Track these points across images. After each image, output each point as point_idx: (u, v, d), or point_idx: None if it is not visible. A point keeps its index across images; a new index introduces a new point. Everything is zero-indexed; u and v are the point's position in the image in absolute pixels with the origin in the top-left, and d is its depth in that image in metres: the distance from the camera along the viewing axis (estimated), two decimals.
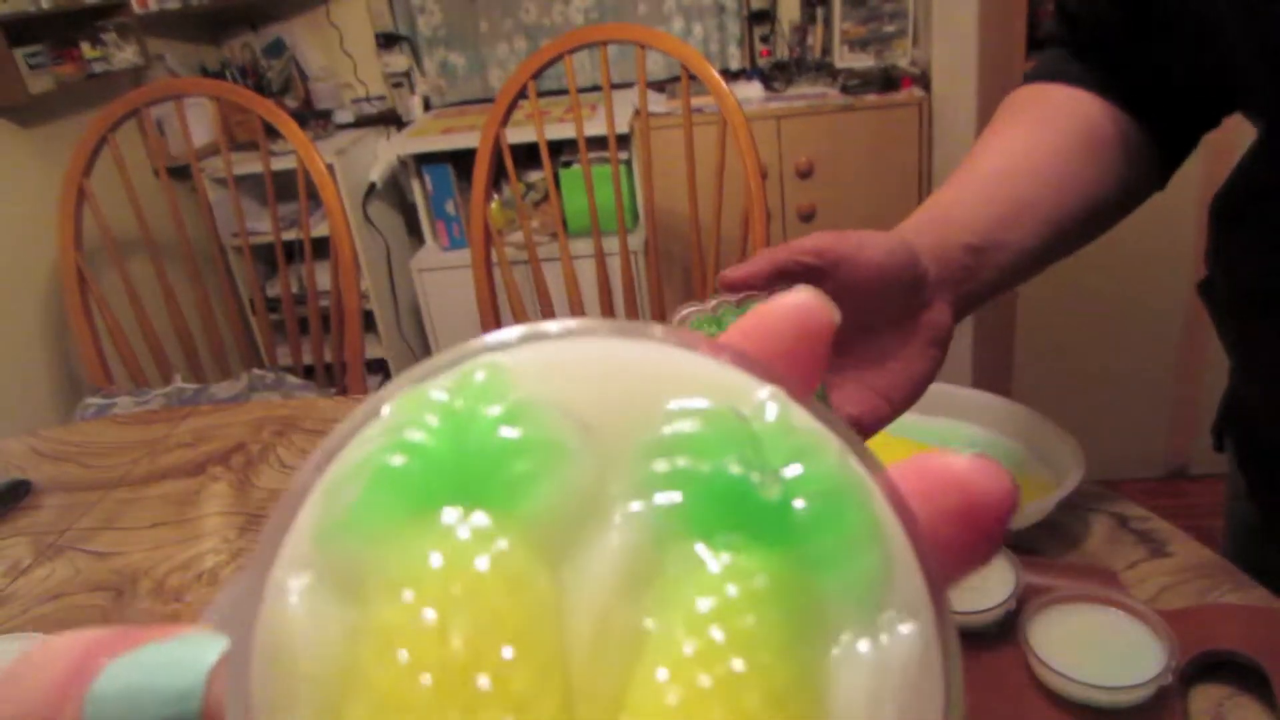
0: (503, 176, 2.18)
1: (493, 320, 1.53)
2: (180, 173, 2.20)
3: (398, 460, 0.15)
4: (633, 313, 1.58)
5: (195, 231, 1.73)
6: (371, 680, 0.13)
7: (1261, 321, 0.56)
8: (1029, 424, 0.72)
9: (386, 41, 2.59)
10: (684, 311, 0.42)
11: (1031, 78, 0.63)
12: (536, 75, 1.47)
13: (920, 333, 0.49)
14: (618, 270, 1.60)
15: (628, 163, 2.25)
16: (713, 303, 0.43)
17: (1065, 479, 0.65)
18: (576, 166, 2.13)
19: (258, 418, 1.05)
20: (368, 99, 2.64)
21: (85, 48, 2.04)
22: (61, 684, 0.16)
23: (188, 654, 0.17)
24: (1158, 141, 0.59)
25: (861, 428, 0.47)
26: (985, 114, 2.16)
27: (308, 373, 1.69)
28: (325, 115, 2.55)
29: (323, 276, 2.31)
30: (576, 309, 1.57)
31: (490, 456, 0.15)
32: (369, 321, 2.47)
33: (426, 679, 0.13)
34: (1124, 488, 2.25)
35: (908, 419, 0.76)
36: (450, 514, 0.14)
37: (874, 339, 0.49)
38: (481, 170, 1.49)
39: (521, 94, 1.47)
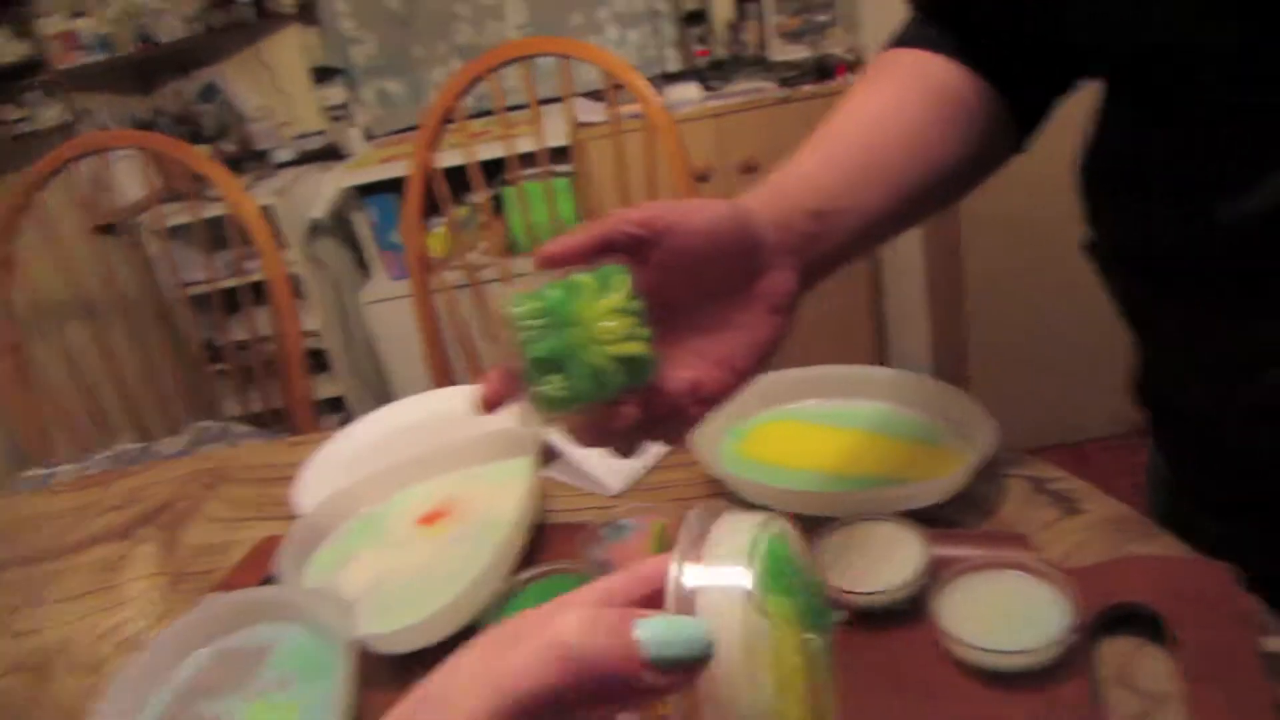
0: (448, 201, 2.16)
1: (435, 349, 1.51)
2: (116, 228, 2.16)
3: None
4: None
5: (134, 287, 1.70)
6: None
7: (1140, 280, 0.55)
8: (944, 398, 0.71)
9: (321, 75, 2.56)
10: (510, 295, 0.41)
11: (890, 44, 0.62)
12: (461, 96, 1.45)
13: (760, 299, 0.48)
14: None
15: (571, 175, 2.23)
16: (538, 280, 0.42)
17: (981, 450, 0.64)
18: (526, 182, 2.11)
19: (187, 472, 1.01)
20: (306, 135, 2.61)
21: (9, 109, 2.00)
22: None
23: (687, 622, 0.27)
24: (1012, 105, 0.58)
25: (701, 394, 0.46)
26: None
27: (258, 420, 1.66)
28: (264, 155, 2.52)
29: (267, 322, 2.29)
30: None
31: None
32: (322, 360, 2.43)
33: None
34: (1089, 448, 2.25)
35: (825, 404, 0.75)
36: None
37: (711, 306, 0.48)
38: (413, 199, 1.47)
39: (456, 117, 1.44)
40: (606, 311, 0.41)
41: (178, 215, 2.24)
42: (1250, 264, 0.45)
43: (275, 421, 1.65)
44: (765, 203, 0.49)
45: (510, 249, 2.27)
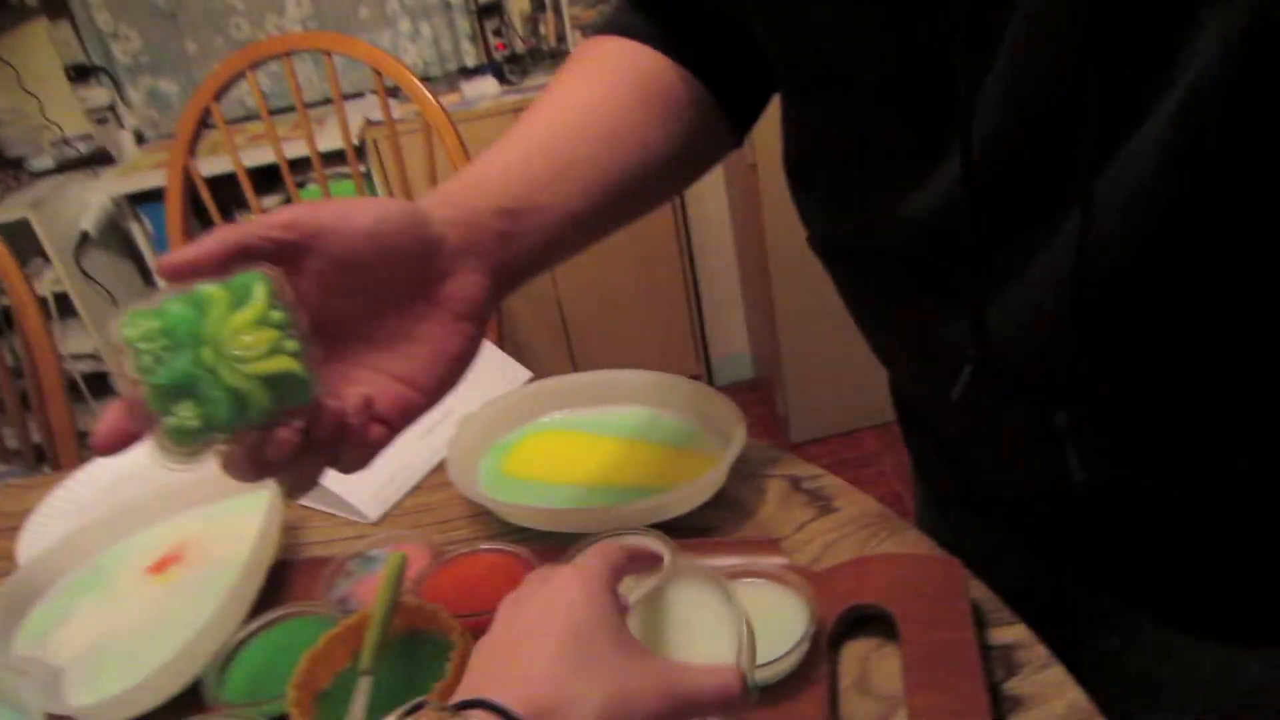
0: (235, 205, 2.03)
1: None
2: None
3: None
4: None
5: None
6: None
7: (838, 269, 0.56)
8: (697, 397, 0.71)
9: (79, 74, 2.34)
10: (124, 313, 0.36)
11: (596, 30, 0.59)
12: (219, 96, 1.35)
13: (443, 307, 0.43)
14: None
15: (362, 176, 2.14)
16: (158, 296, 0.37)
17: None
18: (313, 185, 2.00)
19: None
20: (68, 140, 2.39)
21: None
22: None
23: None
24: (720, 100, 0.57)
25: (378, 413, 0.41)
26: None
27: (18, 459, 1.49)
28: (17, 164, 2.28)
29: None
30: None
31: None
32: (101, 385, 2.24)
33: None
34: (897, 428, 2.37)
35: (582, 412, 0.74)
36: None
37: (387, 318, 0.43)
38: (174, 208, 1.36)
39: (252, 117, 1.34)
40: (243, 325, 0.36)
41: None
42: (929, 262, 0.46)
43: (31, 458, 1.50)
44: (450, 200, 0.45)
45: None
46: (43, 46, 2.31)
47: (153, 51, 2.37)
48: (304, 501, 0.73)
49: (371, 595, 0.54)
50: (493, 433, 0.72)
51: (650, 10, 0.57)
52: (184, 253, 0.37)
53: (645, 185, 0.53)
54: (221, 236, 0.37)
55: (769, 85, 0.58)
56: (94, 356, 2.20)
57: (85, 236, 2.19)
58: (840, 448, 2.24)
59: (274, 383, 0.37)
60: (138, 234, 2.19)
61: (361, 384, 0.42)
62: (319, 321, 0.39)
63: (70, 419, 1.44)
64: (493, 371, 0.83)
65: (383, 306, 0.43)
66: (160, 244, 2.18)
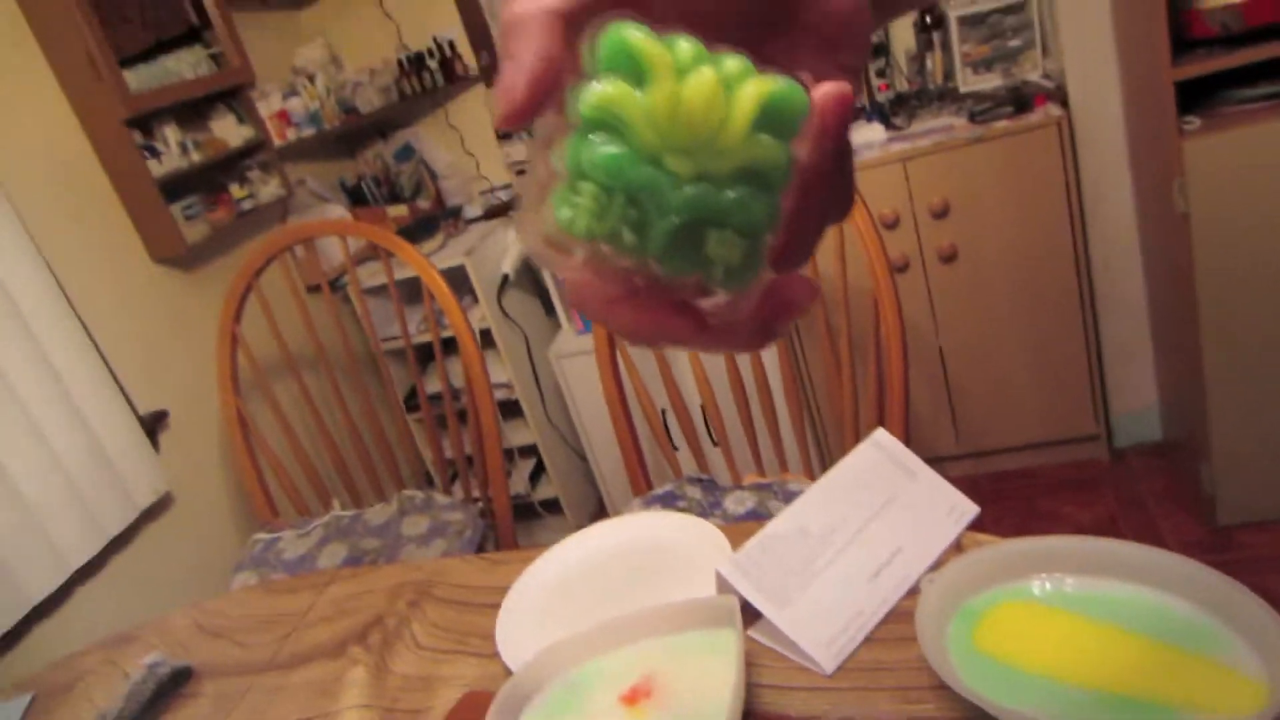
0: None
1: (620, 409, 1.50)
2: (320, 289, 2.32)
3: None
4: (763, 386, 1.50)
5: (338, 345, 1.80)
6: None
7: None
8: (1218, 591, 0.61)
9: (506, 133, 2.65)
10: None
11: None
12: None
13: (812, 33, 0.31)
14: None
15: None
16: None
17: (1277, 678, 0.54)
18: None
19: (395, 584, 1.05)
20: (493, 190, 2.71)
21: (234, 189, 2.18)
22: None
23: None
24: None
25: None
26: (1133, 123, 1.96)
27: (452, 472, 1.72)
28: (456, 213, 2.63)
29: (460, 374, 2.38)
30: (704, 386, 1.51)
31: None
32: (515, 409, 2.51)
33: None
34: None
35: (1070, 583, 0.66)
36: None
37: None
38: None
39: None
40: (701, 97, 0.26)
41: (376, 276, 2.39)
42: None
43: (465, 474, 1.70)
44: None
45: None
46: (480, 110, 2.64)
47: None
48: (755, 635, 0.74)
49: None
50: (961, 594, 0.68)
51: None
52: (511, 93, 0.27)
53: None
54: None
55: None
56: (507, 386, 2.47)
57: (506, 279, 2.47)
58: None
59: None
60: (548, 277, 2.42)
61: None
62: None
63: (498, 436, 1.61)
64: (938, 507, 0.79)
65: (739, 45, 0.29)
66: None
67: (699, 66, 0.26)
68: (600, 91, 0.26)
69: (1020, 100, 2.02)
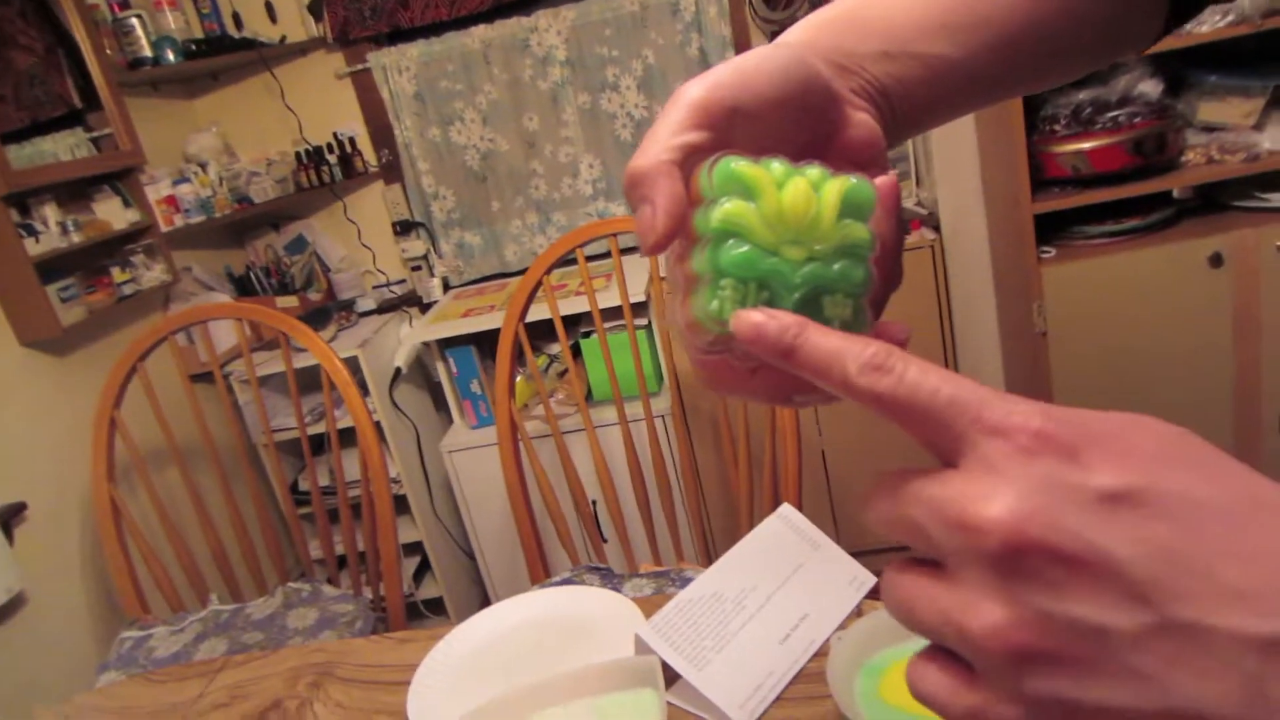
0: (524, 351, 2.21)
1: (521, 497, 1.51)
2: (206, 378, 2.25)
3: None
4: (662, 478, 1.54)
5: (223, 435, 1.75)
6: None
7: None
8: None
9: (403, 229, 2.68)
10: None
11: None
12: (550, 270, 1.50)
13: (843, 157, 0.40)
14: (644, 434, 1.58)
15: (648, 328, 2.28)
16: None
17: None
18: (596, 336, 2.15)
19: (293, 667, 1.02)
20: (388, 284, 2.71)
21: (115, 272, 2.12)
22: None
23: None
24: None
25: None
26: (997, 249, 2.17)
27: (340, 564, 1.66)
28: (349, 305, 2.62)
29: (352, 466, 2.32)
30: (604, 477, 1.54)
31: None
32: (402, 505, 2.46)
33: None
34: None
35: None
36: None
37: None
38: (504, 362, 1.50)
39: (543, 278, 1.49)
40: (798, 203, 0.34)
41: (268, 364, 2.34)
42: None
43: (356, 569, 1.65)
44: (825, 36, 0.42)
45: (587, 397, 2.29)
46: (377, 206, 2.67)
47: (464, 208, 2.67)
48: (672, 699, 0.76)
49: None
50: (864, 651, 0.72)
51: None
52: (654, 227, 0.35)
53: (1048, 53, 0.47)
54: (664, 156, 0.35)
55: None
56: (396, 481, 2.43)
57: (398, 372, 2.46)
58: None
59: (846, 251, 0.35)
60: (442, 373, 2.42)
61: None
62: None
63: (394, 527, 1.58)
64: (840, 576, 0.84)
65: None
66: (463, 381, 2.40)
67: (791, 178, 0.34)
68: (725, 209, 0.34)
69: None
